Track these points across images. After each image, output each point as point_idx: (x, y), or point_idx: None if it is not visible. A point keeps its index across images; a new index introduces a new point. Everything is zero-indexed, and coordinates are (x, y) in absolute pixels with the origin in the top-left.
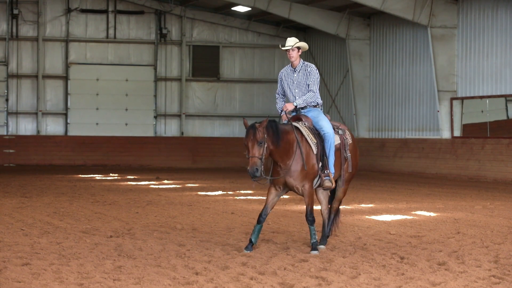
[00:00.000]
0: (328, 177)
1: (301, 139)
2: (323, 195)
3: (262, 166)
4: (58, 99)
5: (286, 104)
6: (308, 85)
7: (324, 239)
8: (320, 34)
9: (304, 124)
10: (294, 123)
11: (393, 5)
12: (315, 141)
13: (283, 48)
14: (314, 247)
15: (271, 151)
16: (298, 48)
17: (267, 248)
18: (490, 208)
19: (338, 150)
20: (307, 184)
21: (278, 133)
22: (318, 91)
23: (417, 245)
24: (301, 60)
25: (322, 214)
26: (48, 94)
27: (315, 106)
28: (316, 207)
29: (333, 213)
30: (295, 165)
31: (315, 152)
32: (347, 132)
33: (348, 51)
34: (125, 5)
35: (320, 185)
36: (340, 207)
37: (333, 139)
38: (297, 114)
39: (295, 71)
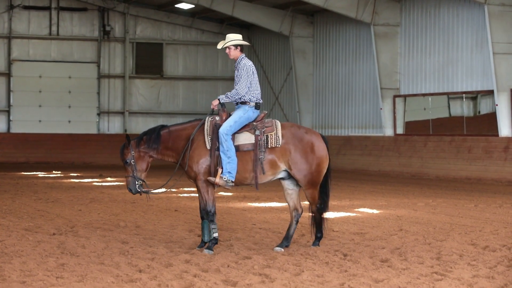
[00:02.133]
0: (221, 175)
1: (199, 134)
2: (289, 196)
3: (139, 181)
4: (0, 96)
5: (213, 100)
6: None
7: (286, 240)
8: (263, 31)
9: (215, 119)
10: (208, 118)
11: (336, 3)
12: (210, 137)
13: (219, 47)
14: (208, 246)
15: (160, 157)
16: (235, 45)
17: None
18: (432, 205)
19: (251, 151)
20: (198, 180)
21: (157, 140)
22: (249, 87)
23: (360, 242)
24: (241, 55)
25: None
26: None
27: (243, 103)
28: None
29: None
30: (187, 160)
31: (208, 147)
32: (276, 133)
33: (291, 48)
34: (68, 2)
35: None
36: (322, 214)
37: (225, 138)
38: (218, 110)
39: (236, 67)
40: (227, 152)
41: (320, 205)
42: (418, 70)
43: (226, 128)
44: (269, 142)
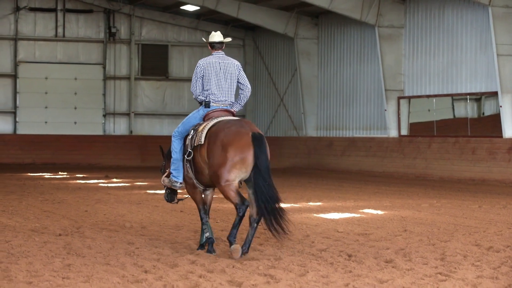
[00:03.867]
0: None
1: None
2: (250, 196)
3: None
4: (6, 98)
5: None
6: None
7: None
8: (268, 33)
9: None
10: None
11: (340, 5)
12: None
13: (226, 41)
14: (207, 249)
15: None
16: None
17: (215, 246)
18: (436, 206)
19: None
20: None
21: None
22: (193, 87)
23: (364, 242)
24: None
25: None
26: None
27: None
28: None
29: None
30: None
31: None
32: (203, 131)
33: (296, 50)
34: (74, 4)
35: None
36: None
37: (172, 139)
38: None
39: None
40: (172, 153)
41: (239, 207)
42: (422, 72)
43: (175, 129)
44: (196, 140)
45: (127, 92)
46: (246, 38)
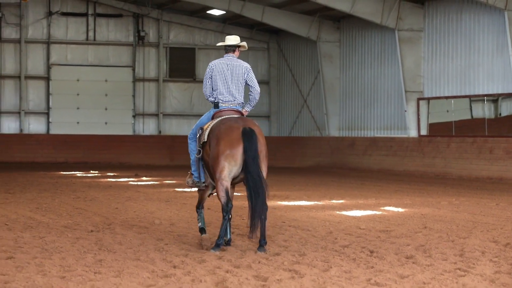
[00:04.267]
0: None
1: None
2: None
3: None
4: (40, 99)
5: None
6: None
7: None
8: (292, 36)
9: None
10: None
11: (362, 9)
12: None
13: (243, 44)
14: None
15: None
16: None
17: (242, 242)
18: (455, 203)
19: None
20: None
21: None
22: (204, 88)
23: (386, 239)
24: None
25: None
26: (30, 94)
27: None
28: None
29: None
30: None
31: None
32: (205, 131)
33: (319, 53)
34: (104, 9)
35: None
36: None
37: (189, 142)
38: None
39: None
40: (190, 155)
41: (223, 208)
42: (441, 74)
43: (190, 131)
44: (201, 139)
45: (155, 93)
46: (271, 41)
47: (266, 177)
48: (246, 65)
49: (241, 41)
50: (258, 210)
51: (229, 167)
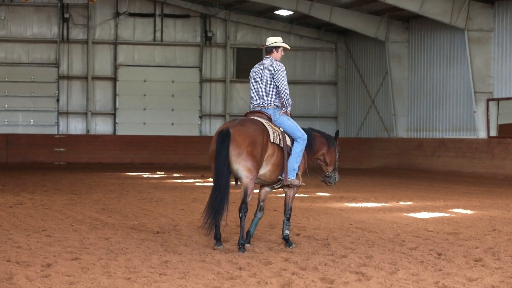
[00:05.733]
0: None
1: None
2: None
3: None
4: (107, 100)
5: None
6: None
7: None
8: (360, 37)
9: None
10: None
11: (431, 9)
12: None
13: (284, 45)
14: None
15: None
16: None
17: (308, 244)
18: None
19: None
20: None
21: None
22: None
23: (454, 241)
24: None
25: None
26: (97, 95)
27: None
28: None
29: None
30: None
31: None
32: None
33: (387, 53)
34: (171, 9)
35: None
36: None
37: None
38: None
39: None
40: None
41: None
42: (511, 74)
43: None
44: None
45: (222, 94)
46: (338, 41)
47: (248, 173)
48: (275, 64)
49: (283, 41)
50: (211, 209)
51: (211, 166)
